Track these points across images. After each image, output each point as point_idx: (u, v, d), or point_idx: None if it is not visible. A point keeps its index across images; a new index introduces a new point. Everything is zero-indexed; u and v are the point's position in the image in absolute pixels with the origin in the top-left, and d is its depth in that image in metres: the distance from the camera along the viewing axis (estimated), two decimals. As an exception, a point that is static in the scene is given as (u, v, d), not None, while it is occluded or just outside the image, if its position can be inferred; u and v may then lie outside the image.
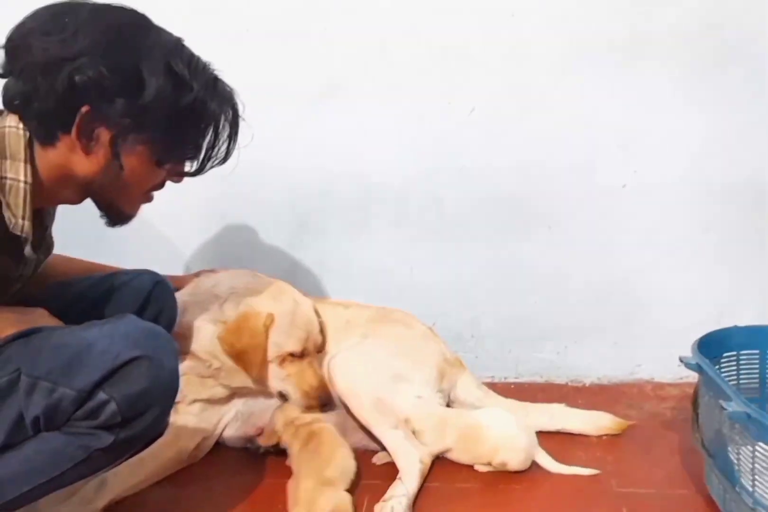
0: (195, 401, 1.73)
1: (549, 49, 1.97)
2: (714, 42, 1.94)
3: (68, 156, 1.24)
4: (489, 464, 1.65)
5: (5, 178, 1.20)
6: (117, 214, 1.38)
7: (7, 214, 1.22)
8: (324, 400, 1.72)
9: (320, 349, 1.81)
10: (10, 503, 1.20)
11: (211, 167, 1.38)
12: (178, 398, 1.56)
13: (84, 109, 1.18)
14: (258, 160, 2.04)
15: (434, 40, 2.00)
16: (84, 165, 1.25)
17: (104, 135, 1.23)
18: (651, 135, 2.01)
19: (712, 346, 1.57)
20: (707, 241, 2.06)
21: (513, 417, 1.72)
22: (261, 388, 1.73)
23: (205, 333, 1.69)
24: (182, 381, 1.57)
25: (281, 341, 1.69)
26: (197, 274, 1.87)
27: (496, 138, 2.05)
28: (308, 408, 1.72)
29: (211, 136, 1.33)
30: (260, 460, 1.75)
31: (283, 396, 1.74)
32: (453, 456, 1.69)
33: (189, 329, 1.70)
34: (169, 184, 1.40)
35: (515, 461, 1.62)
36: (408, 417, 1.68)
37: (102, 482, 1.51)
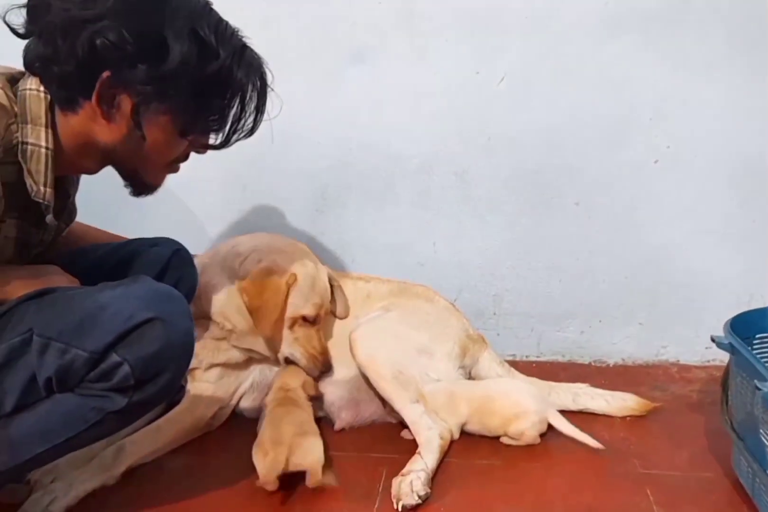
0: (212, 366, 1.72)
1: (582, 16, 1.91)
2: (751, 13, 1.87)
3: (89, 123, 1.21)
4: (507, 435, 1.64)
5: (27, 143, 1.18)
6: (141, 183, 1.35)
7: (28, 181, 1.20)
8: (327, 367, 1.73)
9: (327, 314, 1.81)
10: (26, 463, 1.20)
11: (237, 140, 1.33)
12: (194, 363, 1.57)
13: (104, 74, 1.15)
14: (280, 130, 2.01)
15: (463, 8, 1.94)
16: (105, 133, 1.22)
17: (126, 102, 1.19)
18: (685, 108, 1.95)
19: (745, 327, 1.52)
20: (741, 221, 2.00)
21: (522, 384, 1.73)
22: (270, 351, 1.71)
23: (222, 293, 1.67)
24: (198, 345, 1.57)
25: (299, 303, 1.67)
26: None
27: (524, 110, 1.99)
28: (310, 372, 1.71)
29: (237, 107, 1.28)
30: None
31: (289, 361, 1.73)
32: (471, 428, 1.67)
33: (206, 289, 1.69)
34: (191, 154, 1.36)
35: (528, 424, 1.61)
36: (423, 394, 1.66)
37: (120, 448, 1.51)
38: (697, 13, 1.88)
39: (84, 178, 1.47)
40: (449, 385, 1.70)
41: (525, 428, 1.62)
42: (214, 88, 1.24)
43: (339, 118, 2.07)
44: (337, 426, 1.73)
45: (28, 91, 1.19)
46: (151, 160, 1.30)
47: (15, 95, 1.19)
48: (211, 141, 1.34)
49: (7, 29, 1.19)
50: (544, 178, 2.04)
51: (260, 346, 1.71)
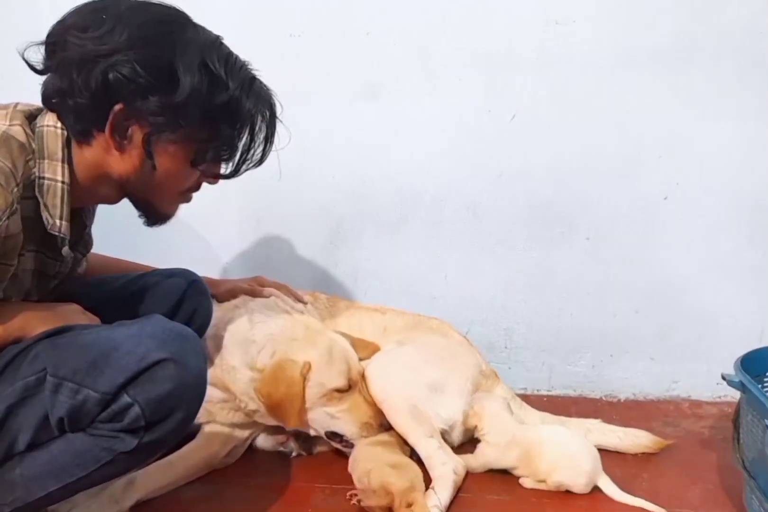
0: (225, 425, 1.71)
1: (592, 56, 1.94)
2: (761, 49, 1.89)
3: (103, 154, 1.24)
4: (543, 482, 1.61)
5: (43, 178, 1.21)
6: (153, 213, 1.37)
7: (44, 214, 1.23)
8: (384, 427, 1.67)
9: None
10: (37, 501, 1.20)
11: (247, 169, 1.36)
12: (205, 418, 1.61)
13: (117, 106, 1.18)
14: (294, 162, 2.06)
15: (476, 47, 1.98)
16: (118, 164, 1.25)
17: (138, 133, 1.22)
18: (694, 145, 1.97)
19: (756, 364, 1.52)
20: (751, 256, 2.00)
21: (583, 439, 1.66)
22: (304, 429, 1.69)
23: (243, 376, 1.63)
24: (217, 407, 1.64)
25: (324, 380, 1.63)
26: (232, 288, 1.84)
27: (535, 145, 2.02)
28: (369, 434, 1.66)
29: (246, 138, 1.31)
30: (291, 463, 1.74)
31: (334, 435, 1.68)
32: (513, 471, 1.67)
33: (226, 368, 1.66)
34: (206, 185, 1.38)
35: (574, 479, 1.57)
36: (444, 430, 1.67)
37: (130, 481, 1.51)
38: (706, 50, 1.91)
39: (101, 208, 1.49)
40: (513, 427, 1.68)
41: (567, 482, 1.57)
42: (224, 119, 1.26)
43: (353, 151, 2.11)
44: None
45: (45, 128, 1.22)
46: (164, 190, 1.32)
47: (33, 131, 1.22)
48: (222, 170, 1.36)
49: (27, 67, 1.23)
50: (554, 213, 2.06)
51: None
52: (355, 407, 1.66)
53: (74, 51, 1.17)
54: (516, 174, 2.05)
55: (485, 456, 1.67)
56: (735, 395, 1.51)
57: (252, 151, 1.33)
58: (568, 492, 1.58)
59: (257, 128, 1.31)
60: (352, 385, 1.68)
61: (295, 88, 2.02)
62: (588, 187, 2.03)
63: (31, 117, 1.24)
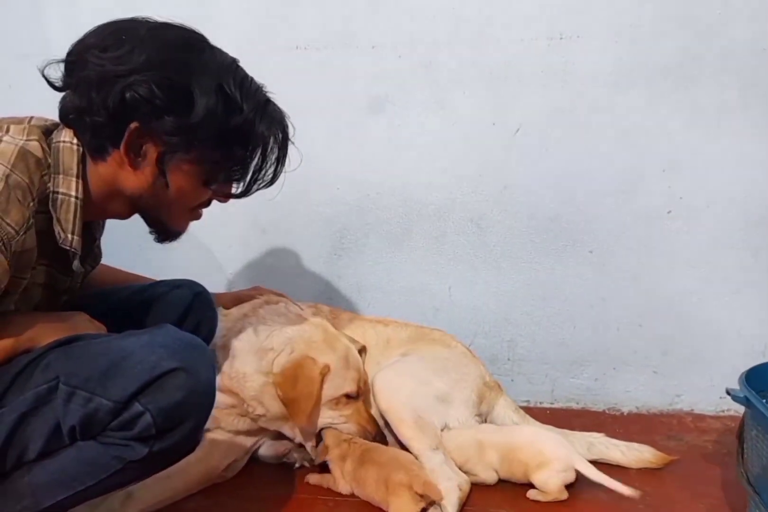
0: (229, 431, 1.71)
1: (597, 71, 1.96)
2: (764, 67, 1.91)
3: (117, 171, 1.26)
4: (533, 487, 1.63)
5: (57, 192, 1.23)
6: (164, 229, 1.39)
7: (57, 228, 1.24)
8: (379, 435, 1.71)
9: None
10: (47, 510, 1.20)
11: (257, 189, 1.37)
12: (211, 425, 1.60)
13: (133, 125, 1.20)
14: (299, 174, 2.06)
15: (482, 60, 2.00)
16: (132, 180, 1.27)
17: (152, 152, 1.24)
18: (698, 160, 1.98)
19: (760, 379, 1.52)
20: (755, 271, 2.01)
21: (545, 432, 1.72)
22: (301, 436, 1.69)
23: (254, 382, 1.64)
24: (224, 412, 1.64)
25: (339, 384, 1.67)
26: (236, 297, 1.86)
27: (539, 159, 2.03)
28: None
29: (258, 159, 1.33)
30: (293, 474, 1.74)
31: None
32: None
33: (237, 376, 1.66)
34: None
35: (551, 472, 1.60)
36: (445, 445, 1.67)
37: (128, 494, 1.50)
38: (709, 66, 1.93)
39: (107, 222, 1.51)
40: (474, 434, 1.70)
41: (548, 477, 1.61)
42: (237, 140, 1.28)
43: (358, 164, 2.12)
44: None
45: (62, 144, 1.24)
46: (175, 207, 1.34)
47: (49, 146, 1.23)
48: (233, 190, 1.38)
49: (45, 82, 1.24)
50: (558, 226, 2.07)
51: (288, 431, 1.70)
52: (357, 414, 1.70)
53: (93, 70, 1.19)
54: (520, 187, 2.06)
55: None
56: (738, 409, 1.51)
57: (263, 172, 1.35)
58: (570, 507, 1.58)
59: (269, 150, 1.32)
60: (360, 393, 1.72)
61: (300, 101, 2.03)
62: (592, 200, 2.04)
63: (47, 132, 1.25)
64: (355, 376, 1.71)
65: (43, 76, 1.24)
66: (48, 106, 1.26)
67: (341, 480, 1.64)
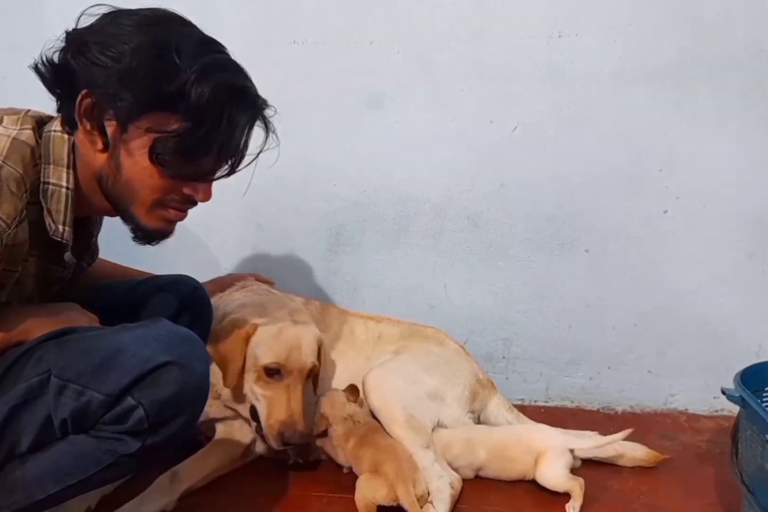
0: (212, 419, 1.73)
1: (595, 70, 1.96)
2: (762, 66, 1.91)
3: (86, 152, 1.23)
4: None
5: (48, 183, 1.21)
6: (137, 227, 1.30)
7: (47, 220, 1.23)
8: (296, 438, 1.59)
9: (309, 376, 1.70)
10: (38, 504, 1.20)
11: (224, 170, 1.28)
12: (202, 417, 1.56)
13: (84, 90, 1.18)
14: (296, 170, 2.07)
15: (480, 58, 1.99)
16: (91, 157, 1.23)
17: (102, 121, 1.20)
18: (695, 160, 1.98)
19: (756, 379, 1.52)
20: (750, 271, 2.01)
21: (530, 426, 1.76)
22: (232, 397, 1.69)
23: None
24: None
25: (259, 353, 1.63)
26: (233, 278, 1.87)
27: (536, 158, 2.03)
28: (269, 442, 1.63)
29: (207, 128, 1.20)
30: (288, 471, 1.73)
31: (255, 417, 1.67)
32: (489, 474, 1.68)
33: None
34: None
35: (548, 463, 1.61)
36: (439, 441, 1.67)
37: (174, 473, 1.57)
38: (708, 66, 1.92)
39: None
40: (463, 433, 1.70)
41: (547, 468, 1.61)
42: (175, 104, 1.18)
43: (355, 160, 2.11)
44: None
45: (52, 133, 1.23)
46: (136, 195, 1.25)
47: (41, 136, 1.22)
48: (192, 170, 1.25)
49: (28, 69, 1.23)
50: (555, 225, 2.06)
51: (244, 412, 1.69)
52: (275, 399, 1.62)
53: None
54: (517, 185, 2.05)
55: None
56: (732, 409, 1.51)
57: (218, 145, 1.23)
58: (563, 503, 1.57)
59: (224, 120, 1.20)
60: (285, 373, 1.64)
61: (298, 96, 2.03)
62: (589, 199, 2.04)
63: (41, 122, 1.24)
64: (280, 351, 1.63)
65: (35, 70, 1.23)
66: (41, 98, 1.24)
67: (341, 453, 1.68)
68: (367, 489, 1.52)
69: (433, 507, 1.51)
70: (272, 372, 1.63)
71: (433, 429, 1.69)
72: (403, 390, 1.71)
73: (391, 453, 1.58)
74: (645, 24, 1.92)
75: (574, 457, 1.66)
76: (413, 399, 1.70)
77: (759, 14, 1.88)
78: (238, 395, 1.68)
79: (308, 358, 1.67)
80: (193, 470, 1.60)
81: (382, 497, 1.50)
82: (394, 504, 1.50)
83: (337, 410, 1.71)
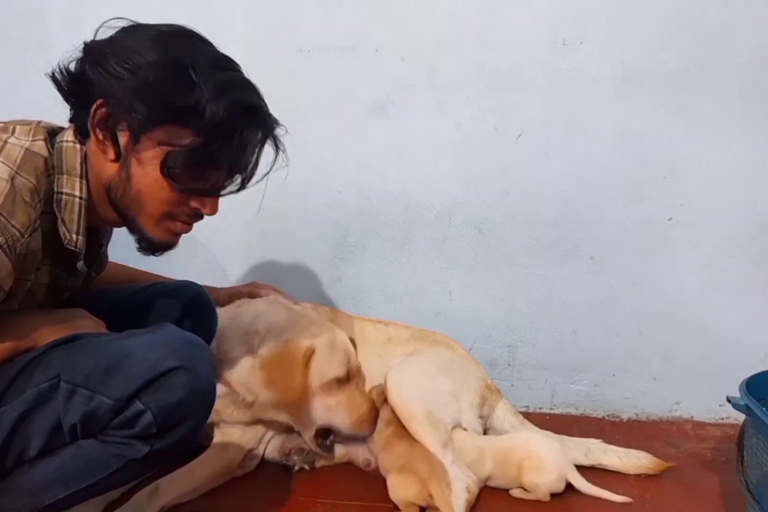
0: (234, 424, 1.71)
1: (599, 76, 1.96)
2: (766, 73, 1.91)
3: (98, 162, 1.25)
4: (524, 489, 1.64)
5: (62, 192, 1.23)
6: (143, 237, 1.31)
7: (62, 229, 1.24)
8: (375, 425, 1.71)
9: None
10: (47, 508, 1.20)
11: (241, 186, 1.31)
12: (214, 418, 1.59)
13: (98, 101, 1.20)
14: (301, 177, 2.07)
15: (484, 65, 2.00)
16: (101, 165, 1.24)
17: (117, 133, 1.21)
18: (699, 167, 1.98)
19: (761, 387, 1.51)
20: (755, 278, 2.01)
21: (544, 437, 1.72)
22: (297, 423, 1.68)
23: (243, 366, 1.63)
24: (220, 404, 1.59)
25: (325, 368, 1.65)
26: (232, 293, 1.85)
27: (541, 164, 2.03)
28: (356, 436, 1.71)
29: (219, 144, 1.22)
30: (293, 476, 1.73)
31: (322, 435, 1.69)
32: (494, 483, 1.68)
33: (225, 358, 1.66)
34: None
35: (544, 478, 1.61)
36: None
37: (155, 488, 1.52)
38: (712, 73, 1.93)
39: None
40: (477, 441, 1.70)
41: (540, 482, 1.61)
42: (189, 120, 1.20)
43: (360, 167, 2.12)
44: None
45: (64, 143, 1.24)
46: (145, 207, 1.26)
47: (53, 147, 1.23)
48: (201, 185, 1.27)
49: (44, 79, 1.25)
50: (560, 232, 2.07)
51: (284, 418, 1.68)
52: (351, 400, 1.67)
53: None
54: (522, 192, 2.06)
55: None
56: (737, 417, 1.51)
57: (229, 160, 1.25)
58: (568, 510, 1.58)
59: (236, 137, 1.23)
60: (351, 377, 1.69)
61: (303, 103, 2.05)
62: (593, 206, 2.04)
63: (52, 133, 1.26)
64: (343, 360, 1.68)
65: (53, 79, 1.25)
66: (46, 103, 1.24)
67: (377, 437, 1.69)
68: (401, 489, 1.52)
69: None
70: (342, 380, 1.67)
71: (452, 429, 1.69)
72: (423, 388, 1.72)
73: (425, 451, 1.59)
74: (648, 31, 1.93)
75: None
76: (432, 396, 1.70)
77: (761, 21, 1.88)
78: (306, 421, 1.66)
79: (356, 356, 1.74)
80: (177, 485, 1.56)
81: (413, 496, 1.50)
82: (424, 504, 1.50)
83: (383, 398, 1.72)
